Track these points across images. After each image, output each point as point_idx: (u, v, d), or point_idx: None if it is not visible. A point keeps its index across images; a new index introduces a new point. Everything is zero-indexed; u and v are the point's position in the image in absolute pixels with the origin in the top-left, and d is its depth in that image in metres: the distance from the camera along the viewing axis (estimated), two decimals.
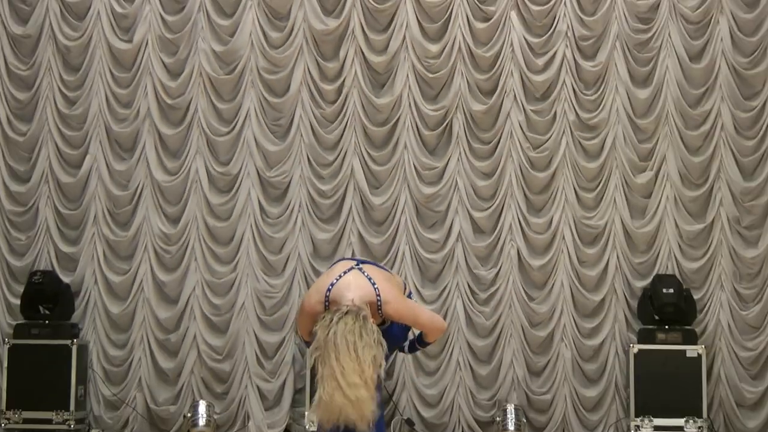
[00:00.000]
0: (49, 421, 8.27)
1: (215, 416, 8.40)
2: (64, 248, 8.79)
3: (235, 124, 8.78)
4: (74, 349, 8.34)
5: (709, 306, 8.51)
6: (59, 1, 8.89)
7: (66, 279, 8.70)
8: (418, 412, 8.51)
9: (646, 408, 8.13)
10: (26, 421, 8.29)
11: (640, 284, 8.53)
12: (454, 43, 8.71)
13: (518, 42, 8.69)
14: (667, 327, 8.29)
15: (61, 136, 8.86)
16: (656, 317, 8.33)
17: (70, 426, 8.27)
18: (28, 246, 8.80)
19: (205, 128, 8.78)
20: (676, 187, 8.60)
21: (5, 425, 8.30)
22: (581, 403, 8.47)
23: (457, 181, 8.68)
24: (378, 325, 4.18)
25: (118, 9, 8.87)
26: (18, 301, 8.59)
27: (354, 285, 4.26)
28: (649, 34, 8.65)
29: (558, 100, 8.67)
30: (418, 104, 8.72)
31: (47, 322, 8.49)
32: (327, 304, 4.22)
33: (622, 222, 8.60)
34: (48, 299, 8.52)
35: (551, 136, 8.66)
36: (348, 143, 8.72)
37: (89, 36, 8.86)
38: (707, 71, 8.62)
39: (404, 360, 8.51)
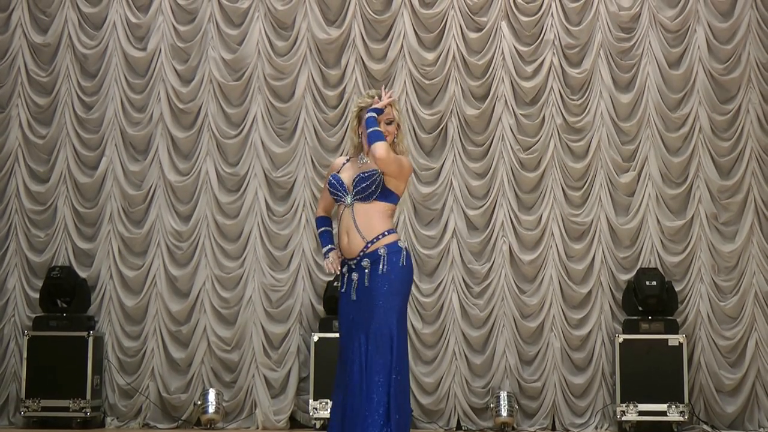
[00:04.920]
0: (66, 409, 8.19)
1: (224, 404, 8.38)
2: (81, 245, 8.75)
3: (243, 128, 8.76)
4: (90, 340, 8.28)
5: (690, 297, 8.46)
6: (77, 12, 8.89)
7: (83, 274, 8.66)
8: (416, 399, 8.44)
9: (630, 394, 8.06)
10: (44, 409, 8.21)
11: (625, 277, 8.49)
12: (448, 51, 8.72)
13: (509, 50, 8.70)
14: (650, 317, 8.24)
15: (79, 138, 8.84)
16: (640, 308, 8.28)
17: (86, 414, 8.19)
18: (47, 243, 8.75)
19: (214, 131, 8.77)
20: (658, 186, 8.57)
21: (24, 413, 8.24)
22: (570, 390, 8.42)
23: (452, 181, 8.66)
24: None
25: (133, 19, 8.87)
26: (37, 295, 8.54)
27: None
28: (631, 43, 8.66)
29: (546, 105, 8.66)
30: (415, 109, 8.72)
31: (65, 314, 8.43)
32: None
33: (607, 219, 8.57)
34: (66, 293, 8.47)
35: (540, 138, 8.65)
36: (349, 146, 8.69)
37: (105, 44, 8.85)
38: (685, 77, 8.61)
39: None
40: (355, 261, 4.68)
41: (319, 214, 5.00)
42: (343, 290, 4.72)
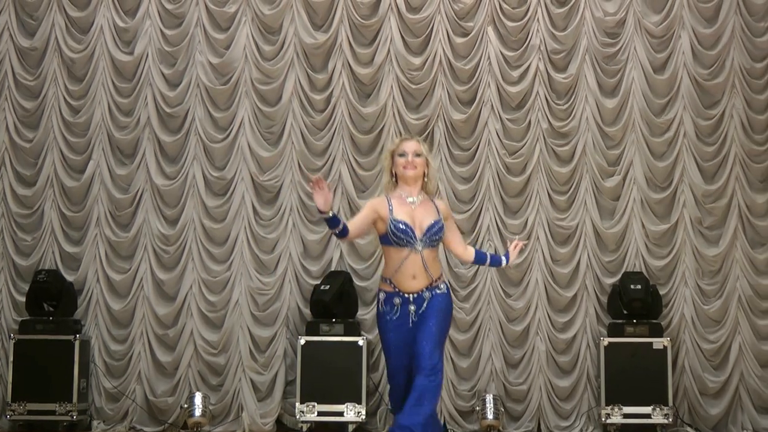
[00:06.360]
0: (52, 413, 8.15)
1: (210, 407, 8.32)
2: (68, 248, 8.71)
3: (230, 132, 8.73)
4: (77, 344, 8.23)
5: (674, 301, 8.46)
6: (64, 16, 8.84)
7: (69, 278, 8.60)
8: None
9: (615, 397, 8.07)
10: (31, 412, 8.17)
11: (610, 281, 8.48)
12: (435, 56, 8.70)
13: (495, 55, 8.69)
14: (635, 321, 8.23)
15: (66, 142, 8.79)
16: (625, 312, 8.28)
17: (72, 417, 8.15)
18: (34, 246, 8.70)
19: (201, 135, 8.72)
20: (643, 191, 8.57)
21: (11, 416, 8.20)
22: (555, 393, 8.41)
23: (438, 185, 8.51)
24: None
25: (120, 23, 8.83)
26: (23, 299, 8.48)
27: None
28: (616, 48, 8.66)
29: (532, 110, 8.64)
30: (402, 113, 8.69)
31: (51, 318, 8.38)
32: None
33: (593, 223, 8.57)
34: (52, 297, 8.42)
35: (526, 143, 8.64)
36: (336, 150, 8.70)
37: (93, 49, 8.81)
38: (670, 82, 8.61)
39: None
40: (415, 295, 5.11)
41: (350, 227, 5.15)
42: (395, 317, 5.10)
